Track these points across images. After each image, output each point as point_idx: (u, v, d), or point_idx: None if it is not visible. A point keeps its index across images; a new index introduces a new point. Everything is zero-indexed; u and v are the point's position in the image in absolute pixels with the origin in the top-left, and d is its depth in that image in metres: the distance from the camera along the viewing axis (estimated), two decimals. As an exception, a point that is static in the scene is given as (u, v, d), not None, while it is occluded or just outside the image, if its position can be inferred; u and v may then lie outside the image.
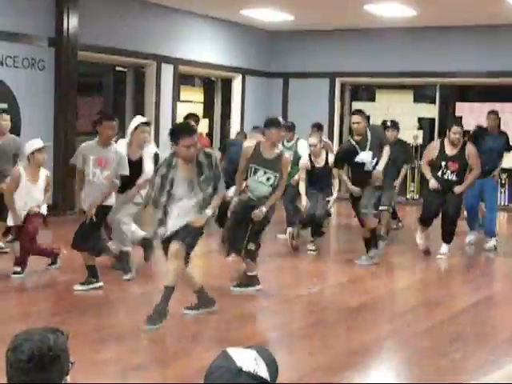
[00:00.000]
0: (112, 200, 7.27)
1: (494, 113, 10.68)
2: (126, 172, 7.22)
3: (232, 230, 7.36)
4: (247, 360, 2.02)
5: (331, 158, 9.41)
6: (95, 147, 7.16)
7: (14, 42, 11.60)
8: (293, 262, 9.13)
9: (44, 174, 7.89)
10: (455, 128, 9.32)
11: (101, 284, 7.22)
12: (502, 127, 15.43)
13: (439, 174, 9.25)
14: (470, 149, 9.35)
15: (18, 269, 7.62)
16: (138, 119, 8.30)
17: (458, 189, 9.16)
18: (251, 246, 7.19)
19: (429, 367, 5.21)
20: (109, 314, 6.52)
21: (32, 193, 7.69)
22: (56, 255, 8.05)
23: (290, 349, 5.69)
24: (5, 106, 11.13)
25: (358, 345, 5.92)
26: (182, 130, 6.13)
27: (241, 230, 7.22)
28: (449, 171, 9.24)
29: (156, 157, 7.98)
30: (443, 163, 9.26)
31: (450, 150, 9.29)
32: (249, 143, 7.54)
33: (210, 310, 6.40)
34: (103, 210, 7.18)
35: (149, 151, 8.02)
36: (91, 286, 7.17)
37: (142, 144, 7.98)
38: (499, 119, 10.87)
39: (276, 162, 7.16)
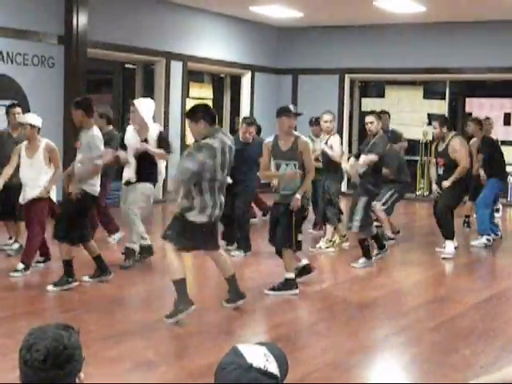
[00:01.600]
0: (96, 189, 7.23)
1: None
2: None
3: (271, 232, 7.36)
4: (257, 356, 2.03)
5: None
6: (79, 132, 7.37)
7: (24, 40, 11.63)
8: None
9: (43, 143, 7.62)
10: (434, 123, 9.44)
11: (76, 284, 7.10)
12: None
13: (439, 171, 9.33)
14: (453, 143, 9.17)
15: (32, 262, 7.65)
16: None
17: (444, 183, 9.12)
18: (300, 238, 7.20)
19: (439, 363, 5.20)
20: (119, 311, 6.52)
21: (28, 168, 7.54)
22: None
23: (301, 345, 5.69)
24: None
25: (368, 341, 5.91)
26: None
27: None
28: (439, 167, 9.30)
29: (161, 135, 8.18)
30: (437, 159, 9.36)
31: (440, 146, 9.33)
32: (269, 138, 7.40)
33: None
34: (86, 198, 7.11)
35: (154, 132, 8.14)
36: (65, 287, 7.01)
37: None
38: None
39: (294, 150, 7.02)
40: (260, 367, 2.00)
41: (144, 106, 8.21)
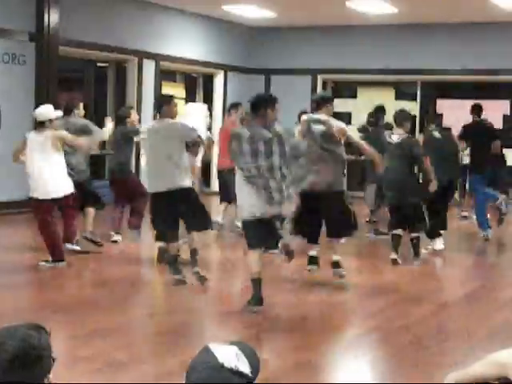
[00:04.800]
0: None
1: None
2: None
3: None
4: (229, 356, 2.03)
5: None
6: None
7: (-5, 37, 11.54)
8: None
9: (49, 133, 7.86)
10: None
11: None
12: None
13: None
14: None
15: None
16: None
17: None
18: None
19: (409, 362, 5.25)
20: (90, 311, 6.48)
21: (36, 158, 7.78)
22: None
23: (270, 345, 5.71)
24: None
25: (338, 341, 5.95)
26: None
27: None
28: None
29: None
30: None
31: None
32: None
33: None
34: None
35: None
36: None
37: None
38: None
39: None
40: (231, 367, 2.00)
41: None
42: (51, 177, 7.67)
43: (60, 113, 8.21)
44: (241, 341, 2.17)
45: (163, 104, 7.33)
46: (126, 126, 9.43)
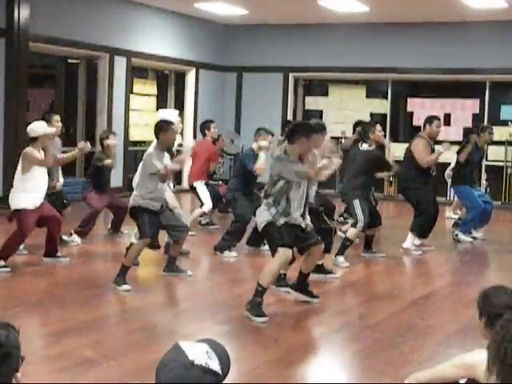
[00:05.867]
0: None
1: (491, 127, 11.22)
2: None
3: None
4: (199, 353, 2.03)
5: None
6: None
7: (-36, 32, 11.40)
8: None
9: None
10: (438, 122, 9.68)
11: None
12: (452, 123, 15.79)
13: (432, 172, 9.61)
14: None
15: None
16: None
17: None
18: None
19: (378, 360, 5.28)
20: (59, 308, 6.44)
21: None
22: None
23: (243, 342, 5.71)
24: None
25: (309, 338, 5.98)
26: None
27: None
28: (434, 166, 9.66)
29: None
30: None
31: (431, 146, 9.63)
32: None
33: None
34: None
35: None
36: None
37: None
38: None
39: None
40: (202, 364, 2.00)
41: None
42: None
43: (50, 130, 7.96)
44: (211, 338, 2.17)
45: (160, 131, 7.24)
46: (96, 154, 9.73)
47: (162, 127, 7.24)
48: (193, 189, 10.43)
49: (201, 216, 10.75)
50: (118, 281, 7.02)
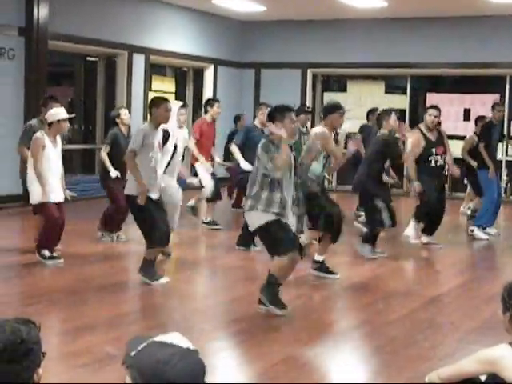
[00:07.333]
0: None
1: (500, 104, 11.05)
2: None
3: None
4: (183, 340, 2.05)
5: None
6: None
7: (-17, 31, 11.48)
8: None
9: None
10: (432, 110, 9.43)
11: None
12: (472, 118, 15.66)
13: (432, 163, 9.28)
14: (444, 131, 9.78)
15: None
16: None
17: (458, 171, 9.78)
18: None
19: (398, 356, 5.26)
20: (81, 305, 6.47)
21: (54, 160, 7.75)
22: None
23: (261, 339, 5.70)
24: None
25: (328, 334, 5.96)
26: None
27: None
28: (438, 156, 9.30)
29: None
30: (433, 150, 9.28)
31: (431, 136, 9.36)
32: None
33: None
34: None
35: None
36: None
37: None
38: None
39: None
40: (194, 348, 2.02)
41: None
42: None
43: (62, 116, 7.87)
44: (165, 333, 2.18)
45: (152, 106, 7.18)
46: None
47: (155, 102, 7.19)
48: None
49: (201, 201, 10.70)
50: (152, 275, 7.02)
